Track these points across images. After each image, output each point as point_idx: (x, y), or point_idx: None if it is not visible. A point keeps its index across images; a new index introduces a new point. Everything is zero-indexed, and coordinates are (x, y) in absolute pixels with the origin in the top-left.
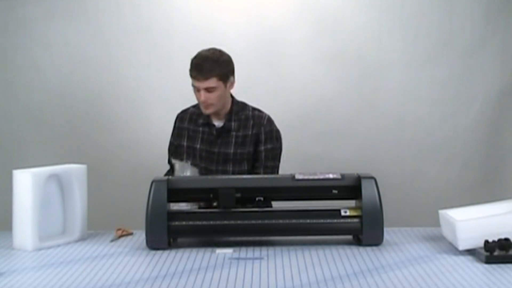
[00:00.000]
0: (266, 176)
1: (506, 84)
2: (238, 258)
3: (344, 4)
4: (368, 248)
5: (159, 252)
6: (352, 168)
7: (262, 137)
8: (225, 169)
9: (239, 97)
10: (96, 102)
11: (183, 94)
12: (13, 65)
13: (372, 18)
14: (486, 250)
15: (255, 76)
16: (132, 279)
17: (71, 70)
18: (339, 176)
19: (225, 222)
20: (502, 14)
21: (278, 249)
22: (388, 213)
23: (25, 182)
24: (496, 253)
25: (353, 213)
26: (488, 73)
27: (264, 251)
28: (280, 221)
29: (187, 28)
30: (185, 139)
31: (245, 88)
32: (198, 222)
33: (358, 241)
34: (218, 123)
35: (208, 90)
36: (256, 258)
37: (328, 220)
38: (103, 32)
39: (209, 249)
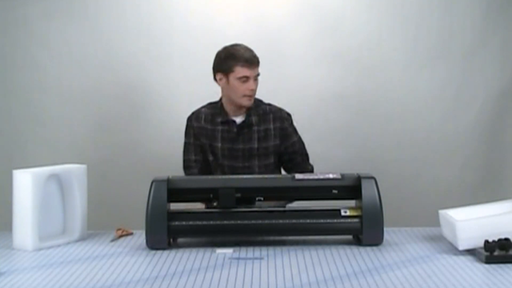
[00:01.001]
0: (266, 176)
1: (506, 84)
2: (238, 258)
3: (344, 4)
4: (368, 248)
5: (159, 252)
6: (352, 168)
7: (289, 130)
8: (251, 164)
9: None
10: (96, 102)
11: (183, 94)
12: (13, 65)
13: (372, 18)
14: (486, 250)
15: None
16: (132, 279)
17: (71, 70)
18: (339, 176)
19: (225, 222)
20: (502, 14)
21: (278, 249)
22: (388, 213)
23: (25, 182)
24: (496, 253)
25: (353, 213)
26: (488, 73)
27: (264, 251)
28: (280, 221)
29: (187, 28)
30: (205, 138)
31: None
32: (198, 222)
33: (358, 241)
34: (238, 119)
35: (255, 78)
36: (256, 258)
37: (328, 220)
38: (103, 32)
39: (209, 249)
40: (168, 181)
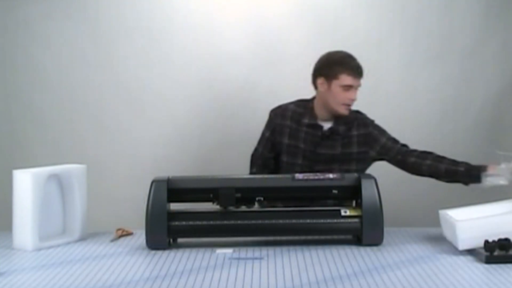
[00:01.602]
0: (266, 176)
1: (506, 84)
2: (238, 258)
3: (344, 4)
4: (368, 248)
5: (159, 252)
6: None
7: (375, 133)
8: (331, 168)
9: (239, 97)
10: (96, 102)
11: (183, 94)
12: (13, 65)
13: (372, 18)
14: (486, 250)
15: (255, 76)
16: (132, 279)
17: (71, 70)
18: (339, 176)
19: (225, 222)
20: (502, 14)
21: (278, 249)
22: (388, 213)
23: (25, 182)
24: (496, 253)
25: (353, 213)
26: (488, 73)
27: (264, 251)
28: (280, 221)
29: (187, 28)
30: (287, 137)
31: (245, 88)
32: (198, 222)
33: (358, 241)
34: (325, 124)
35: (357, 88)
36: (256, 258)
37: (328, 220)
38: (103, 32)
39: (209, 249)
40: (168, 181)
